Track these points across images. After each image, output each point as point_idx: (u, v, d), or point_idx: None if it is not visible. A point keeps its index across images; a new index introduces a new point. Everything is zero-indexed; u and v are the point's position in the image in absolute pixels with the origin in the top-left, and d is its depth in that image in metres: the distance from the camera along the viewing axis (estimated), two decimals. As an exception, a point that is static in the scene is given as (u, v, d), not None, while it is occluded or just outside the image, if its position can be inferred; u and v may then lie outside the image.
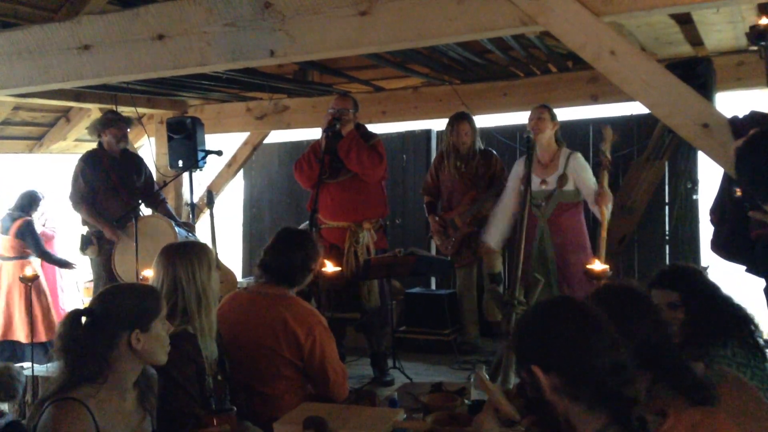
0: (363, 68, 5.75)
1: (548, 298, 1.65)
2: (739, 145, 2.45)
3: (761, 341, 2.24)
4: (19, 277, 5.29)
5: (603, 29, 2.78)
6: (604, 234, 3.99)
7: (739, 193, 2.68)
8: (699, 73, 3.90)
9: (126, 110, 5.69)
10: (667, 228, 5.89)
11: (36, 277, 4.56)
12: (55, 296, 6.09)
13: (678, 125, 2.82)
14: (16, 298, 5.73)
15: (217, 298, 2.69)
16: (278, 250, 3.09)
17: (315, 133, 5.90)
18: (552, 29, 2.84)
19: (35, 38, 3.74)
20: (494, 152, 5.33)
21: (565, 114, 5.93)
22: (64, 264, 5.99)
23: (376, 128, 5.21)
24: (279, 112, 6.42)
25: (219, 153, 5.47)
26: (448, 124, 5.27)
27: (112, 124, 5.11)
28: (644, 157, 5.73)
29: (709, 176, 5.14)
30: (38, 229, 5.95)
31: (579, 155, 4.59)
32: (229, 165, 7.08)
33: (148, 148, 6.53)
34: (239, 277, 6.36)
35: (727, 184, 2.87)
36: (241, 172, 7.43)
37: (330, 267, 4.05)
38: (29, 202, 5.93)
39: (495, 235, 4.82)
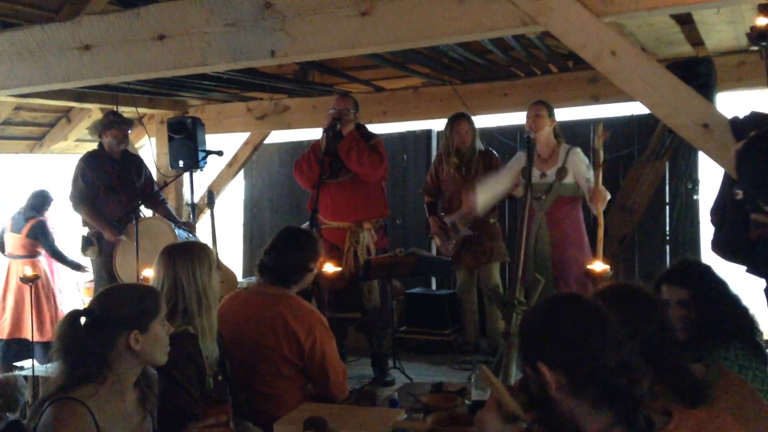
0: (363, 68, 5.75)
1: (556, 294, 1.63)
2: (740, 148, 2.45)
3: (762, 344, 2.24)
4: (19, 277, 5.31)
5: (603, 29, 2.78)
6: (600, 233, 3.99)
7: (740, 195, 2.67)
8: (699, 74, 3.91)
9: (127, 110, 5.70)
10: (667, 228, 5.89)
11: (36, 277, 4.58)
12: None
13: (678, 125, 2.81)
14: (26, 297, 5.78)
15: (218, 299, 2.69)
16: (276, 249, 3.10)
17: (315, 134, 5.90)
18: (552, 29, 2.84)
19: (36, 38, 3.74)
20: (494, 153, 5.33)
21: (565, 114, 5.94)
22: (77, 266, 6.01)
23: (376, 128, 5.22)
24: (279, 113, 6.42)
25: (219, 153, 5.47)
26: (447, 124, 5.27)
27: (113, 126, 5.11)
28: (644, 157, 5.73)
29: (710, 176, 5.14)
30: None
31: (578, 150, 4.61)
32: (229, 165, 7.08)
33: (149, 148, 6.54)
34: (240, 278, 6.37)
35: (728, 185, 2.87)
36: (241, 173, 7.44)
37: (330, 267, 4.05)
38: (42, 202, 5.97)
39: (482, 196, 4.76)
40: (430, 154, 6.76)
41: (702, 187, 5.78)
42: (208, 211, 5.54)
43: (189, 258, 2.58)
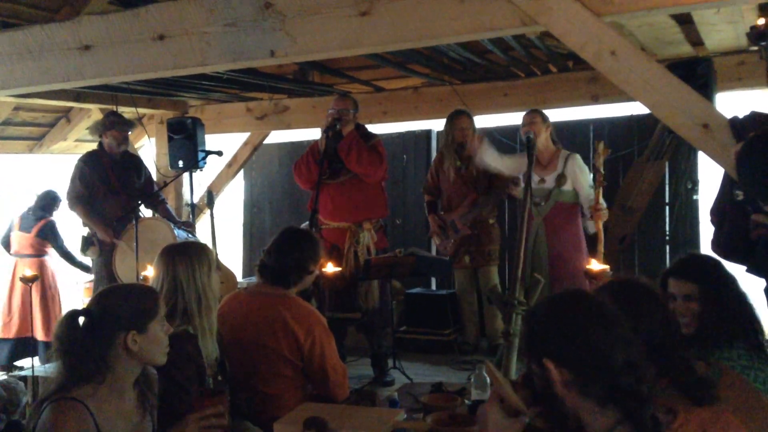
0: (363, 68, 5.75)
1: (564, 290, 1.62)
2: (740, 148, 2.44)
3: (765, 344, 2.23)
4: (19, 277, 5.32)
5: (603, 29, 2.78)
6: (600, 248, 3.99)
7: (740, 196, 2.67)
8: (699, 74, 3.90)
9: (126, 110, 5.69)
10: (667, 228, 5.89)
11: (36, 278, 4.58)
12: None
13: (678, 125, 2.81)
14: (33, 296, 5.80)
15: (218, 299, 2.69)
16: (277, 250, 3.09)
17: (315, 134, 5.90)
18: (552, 29, 2.84)
19: (36, 38, 3.74)
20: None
21: (565, 114, 5.95)
22: (85, 267, 6.03)
23: (376, 128, 5.22)
24: (279, 113, 6.43)
25: (219, 153, 5.47)
26: (447, 122, 5.27)
27: (113, 127, 5.11)
28: (644, 158, 5.73)
29: (710, 176, 5.14)
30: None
31: (578, 156, 4.60)
32: (229, 165, 7.08)
33: (149, 149, 6.54)
34: (239, 278, 6.37)
35: (728, 185, 2.87)
36: (241, 173, 7.43)
37: (330, 267, 4.05)
38: (51, 203, 5.99)
39: (487, 152, 4.79)
40: (430, 154, 6.77)
41: (702, 187, 5.78)
42: (207, 212, 5.53)
43: (188, 258, 2.58)
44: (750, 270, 2.83)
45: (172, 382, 2.31)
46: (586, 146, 5.77)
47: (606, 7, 2.75)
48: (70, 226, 5.85)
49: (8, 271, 5.94)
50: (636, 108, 5.53)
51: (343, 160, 4.54)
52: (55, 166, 7.44)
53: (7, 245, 6.07)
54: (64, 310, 5.86)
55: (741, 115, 2.79)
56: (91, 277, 5.80)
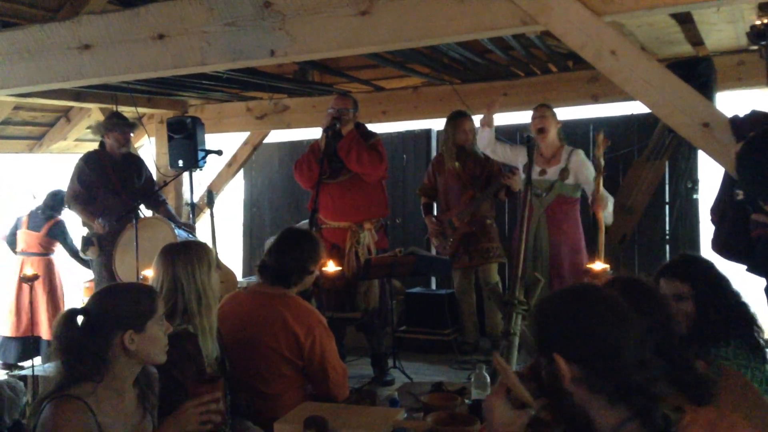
0: (363, 68, 5.75)
1: (577, 284, 1.60)
2: (740, 148, 2.45)
3: (762, 342, 2.23)
4: (20, 276, 5.33)
5: (604, 29, 2.78)
6: (602, 237, 4.00)
7: (740, 195, 2.67)
8: (699, 73, 3.90)
9: (126, 110, 5.69)
10: (667, 227, 5.89)
11: (36, 277, 4.59)
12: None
13: (678, 125, 2.81)
14: (39, 295, 5.82)
15: (218, 298, 2.69)
16: (277, 250, 3.10)
17: (315, 133, 5.89)
18: (553, 29, 2.84)
19: (35, 38, 3.74)
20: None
21: (565, 114, 5.94)
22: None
23: (376, 128, 5.21)
24: (279, 112, 6.42)
25: (219, 153, 5.47)
26: (449, 122, 5.27)
27: (116, 129, 5.12)
28: (644, 157, 5.73)
29: (710, 176, 5.14)
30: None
31: (581, 152, 4.63)
32: (229, 165, 7.08)
33: (149, 148, 6.53)
34: (239, 277, 6.36)
35: (728, 185, 2.87)
36: (241, 172, 7.44)
37: (331, 267, 4.05)
38: (61, 202, 6.00)
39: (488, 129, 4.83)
40: (429, 154, 6.77)
41: (702, 187, 5.79)
42: (207, 211, 5.53)
43: (188, 257, 2.58)
44: (750, 269, 2.83)
45: (173, 381, 2.31)
46: (586, 146, 5.75)
47: (606, 7, 2.75)
48: (77, 225, 5.88)
49: (15, 270, 5.95)
50: (636, 107, 5.54)
51: (343, 160, 4.54)
52: (55, 166, 7.44)
53: (12, 244, 6.09)
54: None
55: (741, 115, 2.79)
56: (91, 276, 5.82)
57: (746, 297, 2.29)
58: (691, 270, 2.28)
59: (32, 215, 6.04)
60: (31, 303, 5.39)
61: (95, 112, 6.28)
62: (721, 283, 2.26)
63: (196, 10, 3.35)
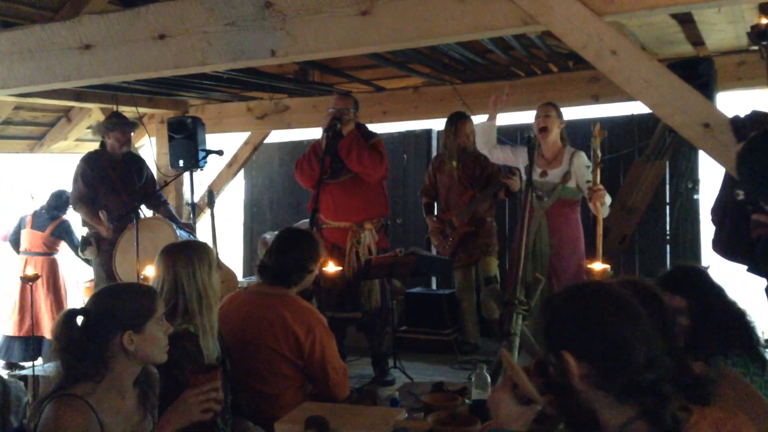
0: (363, 68, 5.75)
1: (588, 282, 1.59)
2: (740, 148, 2.44)
3: (761, 349, 2.23)
4: (20, 276, 5.34)
5: (604, 29, 2.78)
6: (600, 231, 3.99)
7: (741, 195, 2.67)
8: (700, 73, 3.90)
9: (127, 110, 5.69)
10: (668, 228, 5.89)
11: (37, 277, 4.60)
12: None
13: (679, 125, 2.81)
14: (43, 294, 5.82)
15: (219, 298, 2.69)
16: (276, 250, 3.10)
17: (316, 133, 5.90)
18: (553, 29, 2.84)
19: (36, 38, 3.74)
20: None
21: (566, 114, 5.93)
22: None
23: (376, 128, 5.21)
24: (280, 112, 6.42)
25: (220, 153, 5.47)
26: (449, 124, 5.27)
27: (116, 128, 5.12)
28: (645, 157, 5.73)
29: (710, 176, 5.14)
30: None
31: (582, 154, 4.61)
32: (229, 165, 7.08)
33: (149, 148, 6.54)
34: (240, 277, 6.36)
35: (728, 185, 2.87)
36: (241, 172, 7.43)
37: (331, 267, 4.05)
38: (66, 202, 6.02)
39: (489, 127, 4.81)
40: (430, 154, 6.77)
41: (702, 187, 5.79)
42: (208, 211, 5.53)
43: (189, 257, 2.58)
44: (751, 270, 2.83)
45: (173, 381, 2.31)
46: (586, 146, 5.76)
47: (607, 7, 2.75)
48: (78, 225, 5.89)
49: (18, 270, 5.96)
50: (637, 107, 5.53)
51: (344, 160, 4.54)
52: (56, 166, 7.44)
53: (16, 243, 6.10)
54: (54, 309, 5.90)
55: (742, 115, 2.79)
56: (91, 276, 5.82)
57: (743, 303, 2.29)
58: (687, 282, 2.28)
59: (36, 215, 6.06)
60: (33, 303, 5.40)
61: (96, 112, 6.28)
62: (716, 292, 2.26)
63: (196, 10, 3.35)
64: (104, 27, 3.56)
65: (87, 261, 5.81)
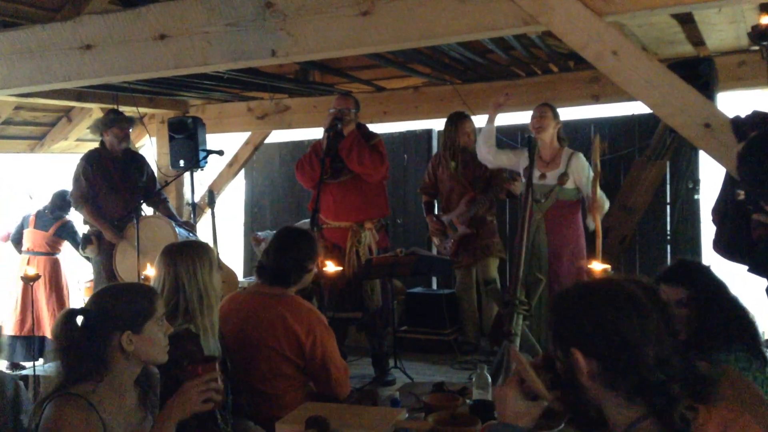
0: (364, 68, 5.75)
1: (600, 278, 1.57)
2: (741, 148, 2.45)
3: (763, 346, 2.23)
4: (20, 276, 5.34)
5: (605, 29, 2.78)
6: (599, 243, 4.00)
7: (741, 195, 2.67)
8: (701, 73, 3.90)
9: (127, 110, 5.70)
10: (668, 228, 5.89)
11: (38, 276, 4.60)
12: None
13: (680, 125, 2.81)
14: (45, 294, 5.83)
15: (219, 298, 2.69)
16: (274, 250, 3.09)
17: (316, 133, 5.90)
18: (554, 29, 2.84)
19: (37, 38, 3.74)
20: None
21: (566, 114, 5.94)
22: None
23: (377, 128, 5.22)
24: (280, 112, 6.43)
25: (220, 153, 5.47)
26: (449, 123, 5.27)
27: (114, 124, 5.11)
28: (646, 157, 5.73)
29: (711, 176, 5.14)
30: None
31: (581, 155, 4.60)
32: (230, 165, 7.08)
33: (150, 148, 6.54)
34: (240, 277, 6.37)
35: (729, 185, 2.87)
36: (242, 172, 7.44)
37: (332, 267, 4.05)
38: (68, 202, 6.03)
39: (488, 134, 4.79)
40: (430, 154, 6.76)
41: (703, 187, 5.79)
42: (208, 211, 5.53)
43: (190, 257, 2.59)
44: (751, 270, 2.83)
45: (174, 381, 2.31)
46: (587, 146, 5.77)
47: (607, 7, 2.75)
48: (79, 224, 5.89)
49: (21, 269, 5.96)
50: (637, 107, 5.54)
51: (344, 160, 4.54)
52: (56, 166, 7.45)
53: (18, 243, 6.11)
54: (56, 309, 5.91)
55: (742, 115, 2.79)
56: (91, 275, 5.82)
57: (745, 301, 2.30)
58: (689, 275, 2.29)
59: (39, 215, 6.07)
60: (34, 302, 5.41)
61: (96, 112, 6.29)
62: (719, 287, 2.27)
63: (197, 10, 3.35)
64: (105, 27, 3.56)
65: (88, 259, 5.82)
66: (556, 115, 4.62)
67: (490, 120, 4.79)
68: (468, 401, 2.79)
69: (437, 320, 5.39)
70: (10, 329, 5.87)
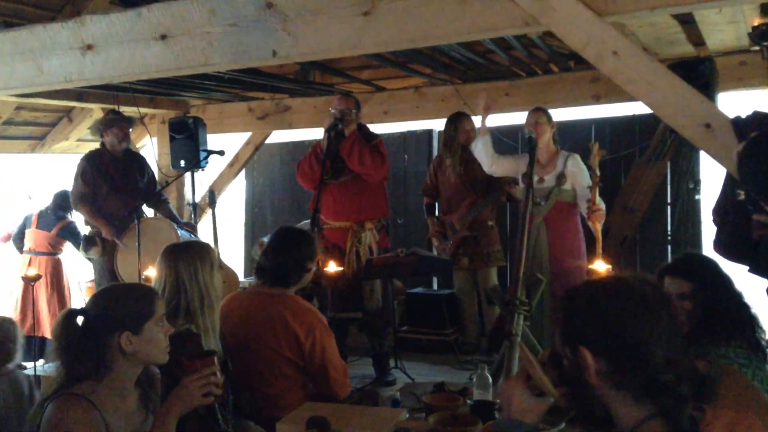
0: (364, 68, 5.75)
1: (609, 276, 1.55)
2: (741, 148, 2.45)
3: (763, 342, 2.23)
4: (21, 276, 5.34)
5: (605, 29, 2.78)
6: (599, 249, 4.00)
7: (742, 195, 2.67)
8: (701, 73, 3.89)
9: (128, 110, 5.70)
10: (669, 228, 5.89)
11: (39, 277, 4.60)
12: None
13: (680, 125, 2.81)
14: (47, 295, 5.83)
15: (220, 298, 2.69)
16: (272, 251, 3.09)
17: (317, 133, 5.90)
18: (554, 29, 2.84)
19: (38, 38, 3.74)
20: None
21: (566, 114, 5.95)
22: None
23: (377, 128, 5.22)
24: (281, 112, 6.43)
25: (221, 153, 5.47)
26: (449, 123, 5.27)
27: (114, 124, 5.12)
28: (646, 157, 5.73)
29: (712, 176, 5.14)
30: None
31: (577, 156, 4.61)
32: (231, 165, 7.08)
33: (150, 148, 6.54)
34: (241, 277, 6.37)
35: (729, 185, 2.87)
36: (242, 172, 7.44)
37: (332, 267, 4.06)
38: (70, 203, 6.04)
39: (484, 143, 4.78)
40: (431, 154, 6.78)
41: (704, 187, 5.78)
42: (209, 211, 5.54)
43: (191, 257, 2.59)
44: (752, 270, 2.82)
45: (175, 381, 2.31)
46: (587, 147, 5.77)
47: (608, 7, 2.75)
48: (80, 224, 5.89)
49: (22, 270, 5.97)
50: (638, 108, 5.53)
51: (345, 160, 4.54)
52: (57, 166, 7.45)
53: (20, 243, 6.11)
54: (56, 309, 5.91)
55: (743, 115, 2.79)
56: (92, 276, 5.82)
57: (748, 297, 2.30)
58: (695, 269, 2.29)
59: (42, 215, 6.07)
60: (34, 303, 5.40)
61: (97, 113, 6.29)
62: (724, 282, 2.27)
63: (198, 10, 3.35)
64: (106, 27, 3.56)
65: (91, 260, 5.82)
66: (550, 119, 4.63)
67: (484, 129, 4.78)
68: (469, 401, 2.79)
69: (438, 320, 5.39)
70: None
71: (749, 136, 2.48)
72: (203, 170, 5.90)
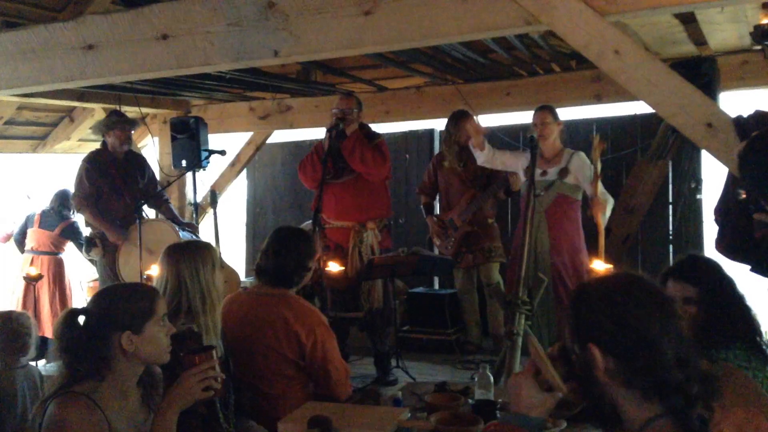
0: (366, 68, 5.75)
1: (620, 272, 1.53)
2: (742, 148, 2.44)
3: (763, 346, 2.22)
4: (23, 276, 5.34)
5: (607, 28, 2.78)
6: (602, 241, 4.00)
7: (743, 195, 2.67)
8: (703, 73, 3.90)
9: (129, 110, 5.70)
10: (670, 228, 5.88)
11: (40, 276, 4.60)
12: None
13: (682, 125, 2.81)
14: (49, 294, 5.83)
15: (222, 297, 2.69)
16: (272, 252, 3.09)
17: (318, 133, 5.90)
18: (556, 29, 2.84)
19: (39, 38, 3.75)
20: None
21: (568, 113, 5.94)
22: None
23: (379, 128, 5.22)
24: (282, 112, 6.43)
25: (222, 153, 5.48)
26: (450, 121, 5.27)
27: (116, 126, 5.12)
28: (648, 157, 5.73)
29: (713, 176, 5.14)
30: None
31: (582, 154, 4.62)
32: (232, 165, 7.09)
33: (152, 148, 6.55)
34: (242, 277, 6.37)
35: (731, 184, 2.87)
36: (244, 172, 7.44)
37: (334, 267, 4.05)
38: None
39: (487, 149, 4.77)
40: (432, 154, 6.76)
41: (705, 187, 5.78)
42: (210, 211, 5.54)
43: (192, 257, 2.59)
44: (754, 269, 2.82)
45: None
46: (589, 145, 5.76)
47: (610, 7, 2.75)
48: (81, 225, 5.89)
49: (23, 269, 5.97)
50: (639, 107, 5.53)
51: (347, 160, 4.54)
52: (59, 166, 7.45)
53: (21, 242, 6.11)
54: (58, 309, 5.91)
55: (745, 114, 2.79)
56: (94, 276, 5.83)
57: (749, 298, 2.29)
58: (700, 272, 2.26)
59: (44, 214, 6.07)
60: (36, 303, 5.40)
61: (99, 112, 6.29)
62: (728, 286, 2.25)
63: (199, 10, 3.36)
64: (107, 27, 3.57)
65: (92, 261, 5.82)
66: (556, 118, 4.64)
67: (480, 147, 4.75)
68: (470, 401, 2.78)
69: (439, 320, 5.39)
70: None
71: (751, 135, 2.48)
72: (205, 170, 5.91)
